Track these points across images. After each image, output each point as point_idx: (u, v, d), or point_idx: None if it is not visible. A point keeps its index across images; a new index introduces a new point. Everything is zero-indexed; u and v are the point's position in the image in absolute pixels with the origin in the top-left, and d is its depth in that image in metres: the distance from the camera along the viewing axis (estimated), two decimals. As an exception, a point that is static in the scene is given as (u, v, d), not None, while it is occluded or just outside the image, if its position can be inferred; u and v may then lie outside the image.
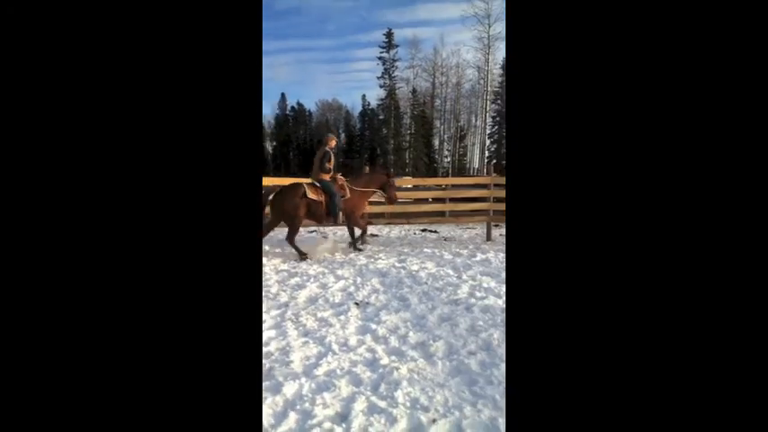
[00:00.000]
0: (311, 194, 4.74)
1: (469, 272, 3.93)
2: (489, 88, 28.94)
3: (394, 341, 2.39)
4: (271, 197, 4.75)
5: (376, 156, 33.21)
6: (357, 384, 1.91)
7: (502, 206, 6.80)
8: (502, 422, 1.62)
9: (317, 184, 4.88)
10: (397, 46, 31.69)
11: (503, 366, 2.04)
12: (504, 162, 29.13)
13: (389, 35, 31.59)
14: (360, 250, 5.02)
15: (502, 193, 7.08)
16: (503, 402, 1.74)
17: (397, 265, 4.25)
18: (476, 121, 31.61)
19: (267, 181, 5.46)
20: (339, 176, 5.14)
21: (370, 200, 5.38)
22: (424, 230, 7.35)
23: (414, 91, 32.15)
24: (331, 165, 4.94)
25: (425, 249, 5.12)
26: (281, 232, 5.30)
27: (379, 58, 32.01)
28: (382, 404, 1.75)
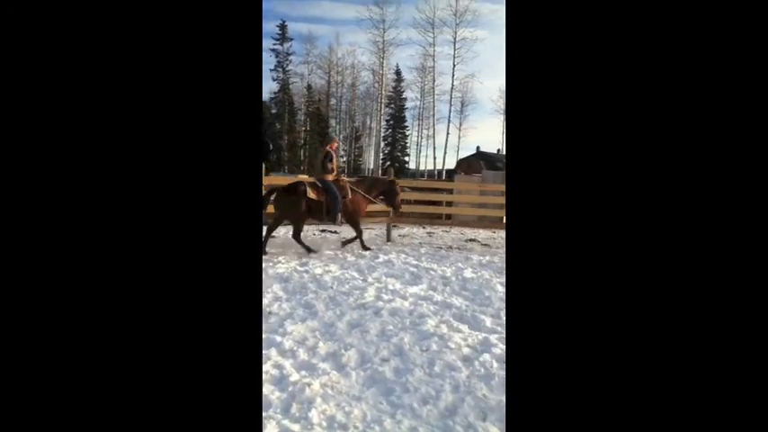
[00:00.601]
0: (311, 194, 4.82)
1: (374, 274, 3.92)
2: (384, 92, 29.88)
3: (303, 354, 2.22)
4: (273, 196, 4.85)
5: (269, 151, 31.72)
6: (265, 407, 1.71)
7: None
8: (422, 431, 1.60)
9: (319, 184, 4.94)
10: (291, 39, 30.66)
11: (417, 372, 2.04)
12: (396, 165, 30.31)
13: (283, 27, 30.35)
14: (369, 249, 5.06)
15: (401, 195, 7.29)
16: (421, 410, 1.72)
17: (299, 268, 4.04)
18: (371, 122, 32.36)
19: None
20: (342, 178, 5.21)
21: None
22: (323, 231, 7.19)
23: (309, 87, 31.49)
24: (333, 165, 5.04)
25: (327, 251, 4.98)
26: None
27: (272, 50, 30.64)
28: (295, 428, 1.59)
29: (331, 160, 5.03)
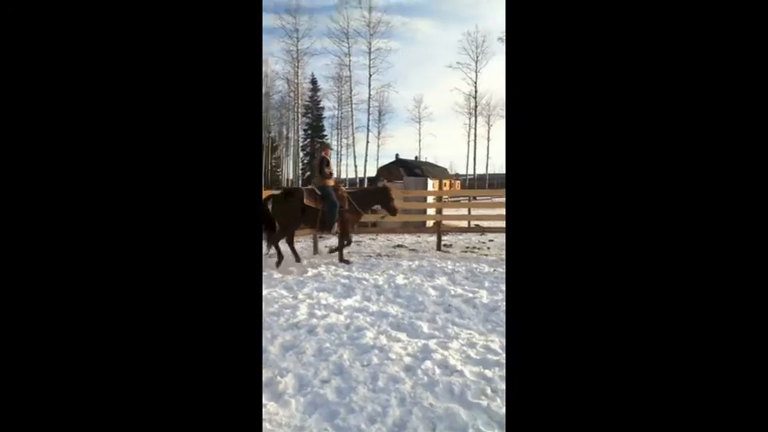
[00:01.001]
0: (308, 201, 4.74)
1: (305, 290, 3.74)
2: (300, 101, 29.37)
3: (233, 387, 2.00)
4: (271, 202, 4.77)
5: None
6: (192, 458, 1.48)
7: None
8: (373, 454, 1.51)
9: (318, 192, 4.85)
10: (197, 46, 28.77)
11: (360, 389, 1.95)
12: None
13: (187, 33, 28.45)
14: (347, 263, 4.91)
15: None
16: (369, 431, 1.64)
17: (220, 291, 3.70)
18: (288, 132, 31.54)
19: None
20: (342, 188, 5.16)
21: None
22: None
23: (219, 97, 29.79)
24: (330, 170, 5.02)
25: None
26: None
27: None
28: (231, 476, 1.40)
29: (328, 165, 5.00)
